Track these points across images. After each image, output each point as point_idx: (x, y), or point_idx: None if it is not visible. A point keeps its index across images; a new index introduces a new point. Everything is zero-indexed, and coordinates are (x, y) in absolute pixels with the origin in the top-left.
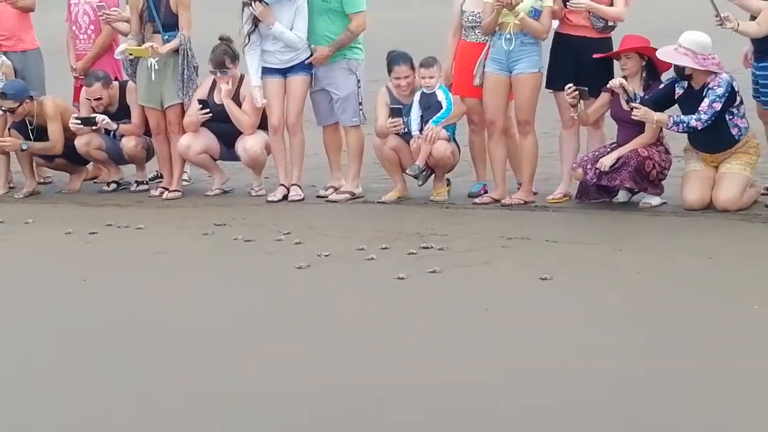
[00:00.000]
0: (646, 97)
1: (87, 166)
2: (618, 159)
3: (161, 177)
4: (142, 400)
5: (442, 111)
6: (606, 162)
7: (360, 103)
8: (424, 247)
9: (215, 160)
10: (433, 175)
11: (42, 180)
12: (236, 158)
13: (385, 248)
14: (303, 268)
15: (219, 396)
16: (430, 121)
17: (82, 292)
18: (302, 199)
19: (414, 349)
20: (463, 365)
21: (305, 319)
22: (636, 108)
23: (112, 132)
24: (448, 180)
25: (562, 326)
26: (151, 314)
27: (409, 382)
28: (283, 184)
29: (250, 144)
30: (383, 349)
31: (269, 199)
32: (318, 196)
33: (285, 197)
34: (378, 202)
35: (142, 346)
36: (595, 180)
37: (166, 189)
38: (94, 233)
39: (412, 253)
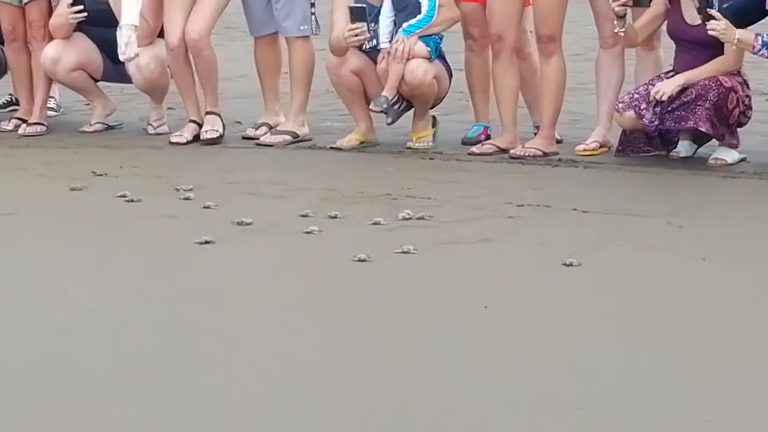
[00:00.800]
0: (725, 5)
1: None
2: (685, 89)
3: (17, 103)
4: None
5: (420, 16)
6: (665, 89)
7: (312, 4)
8: (397, 217)
9: (96, 81)
10: (409, 110)
11: None
12: (127, 79)
13: (337, 216)
14: (209, 244)
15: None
16: (400, 29)
17: None
18: (219, 138)
19: (369, 374)
20: (447, 391)
21: (201, 325)
22: (714, 20)
23: None
24: (433, 119)
25: (590, 337)
26: None
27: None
28: (194, 120)
29: (145, 59)
30: (318, 376)
31: (173, 140)
32: (245, 137)
33: (196, 138)
34: (331, 147)
35: None
36: (656, 123)
37: (24, 121)
38: None
39: (378, 224)
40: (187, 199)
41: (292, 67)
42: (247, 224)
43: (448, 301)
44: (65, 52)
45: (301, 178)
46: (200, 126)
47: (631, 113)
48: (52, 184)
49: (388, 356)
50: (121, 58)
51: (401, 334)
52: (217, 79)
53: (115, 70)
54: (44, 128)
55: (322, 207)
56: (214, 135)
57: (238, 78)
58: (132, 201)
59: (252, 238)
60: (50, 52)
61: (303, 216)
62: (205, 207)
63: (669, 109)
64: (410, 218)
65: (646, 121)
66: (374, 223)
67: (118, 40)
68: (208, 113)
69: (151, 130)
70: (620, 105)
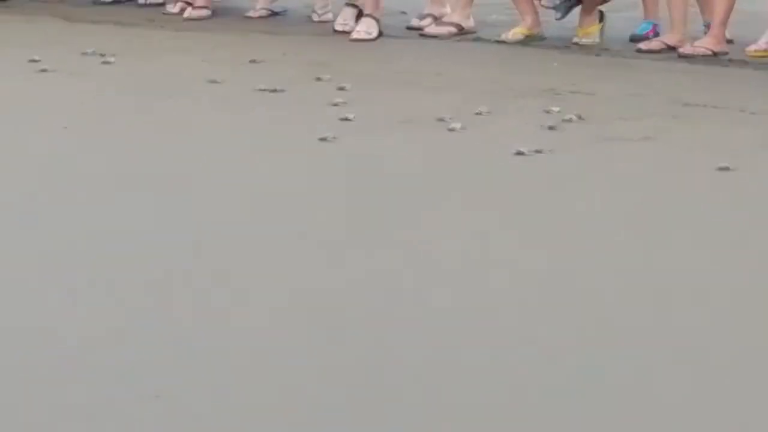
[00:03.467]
0: None
1: None
2: None
3: None
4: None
5: None
6: None
7: None
8: (559, 112)
9: None
10: (579, 5)
11: None
12: None
13: (500, 109)
14: (329, 141)
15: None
16: None
17: (61, 142)
18: (374, 39)
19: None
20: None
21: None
22: None
23: None
24: (601, 14)
25: (742, 255)
26: (143, 178)
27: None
28: (350, 4)
29: None
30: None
31: (337, 27)
32: (409, 28)
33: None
34: (496, 41)
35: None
36: None
37: (189, 4)
38: (87, 65)
39: (544, 112)
40: (341, 89)
41: None
42: (403, 122)
43: (604, 199)
44: None
45: (464, 71)
46: (360, 12)
47: None
48: (212, 68)
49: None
50: None
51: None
52: None
53: None
54: (209, 12)
55: (486, 100)
56: (366, 37)
57: None
58: (273, 91)
59: (406, 133)
60: None
61: (459, 109)
62: (343, 100)
63: None
64: (573, 114)
65: None
66: (544, 112)
67: None
68: (365, 15)
69: (315, 18)
70: None
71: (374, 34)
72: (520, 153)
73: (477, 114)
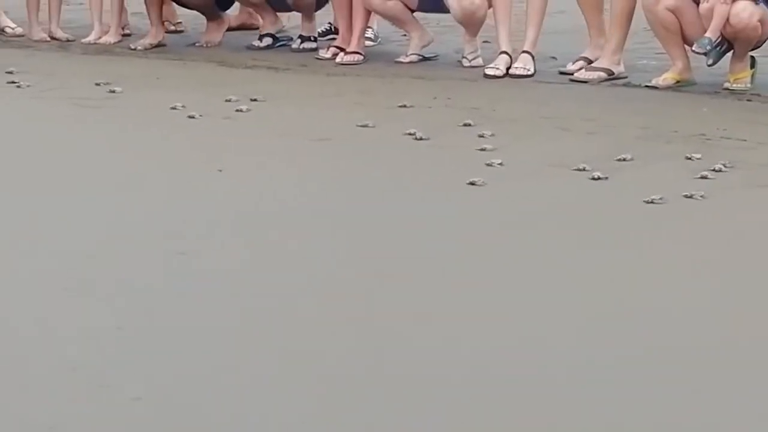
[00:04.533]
0: None
1: (227, 12)
2: None
3: (336, 32)
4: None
5: None
6: None
7: None
8: (708, 158)
9: (412, 11)
10: (730, 51)
11: (173, 27)
12: (444, 10)
13: (648, 155)
14: (479, 185)
15: None
16: None
17: (217, 185)
18: (531, 75)
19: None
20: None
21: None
22: None
23: None
24: (752, 59)
25: None
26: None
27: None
28: (505, 52)
29: None
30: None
31: (488, 72)
32: (561, 73)
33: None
34: (646, 86)
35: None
36: None
37: (342, 49)
38: (240, 108)
39: (690, 159)
40: (491, 134)
41: (612, 5)
42: (554, 166)
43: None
44: None
45: (614, 116)
46: (509, 57)
47: None
48: (366, 111)
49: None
50: None
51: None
52: (543, 12)
53: (432, 0)
54: (361, 57)
55: (635, 145)
56: (524, 73)
57: (556, 14)
58: (418, 139)
59: (531, 179)
60: None
61: (606, 155)
62: (487, 144)
63: None
64: (723, 161)
65: None
66: (687, 158)
67: None
68: (523, 52)
69: (465, 63)
70: None
71: (531, 70)
72: (660, 200)
73: (621, 160)
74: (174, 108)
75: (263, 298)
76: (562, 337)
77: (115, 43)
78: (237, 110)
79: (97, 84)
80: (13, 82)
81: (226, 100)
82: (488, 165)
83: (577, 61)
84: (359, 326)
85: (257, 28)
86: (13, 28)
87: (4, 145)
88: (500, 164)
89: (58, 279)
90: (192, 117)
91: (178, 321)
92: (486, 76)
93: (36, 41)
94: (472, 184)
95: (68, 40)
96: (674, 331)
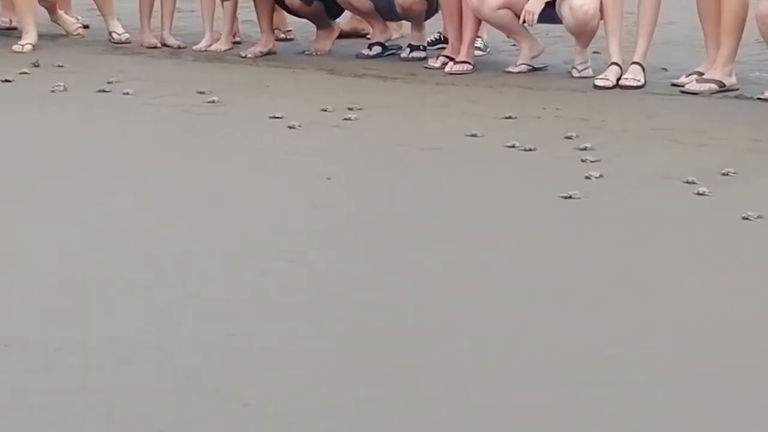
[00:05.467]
0: None
1: (336, 20)
2: None
3: (445, 41)
4: None
5: None
6: None
7: None
8: None
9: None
10: None
11: (283, 35)
12: (556, 21)
13: (759, 165)
14: (573, 198)
15: None
16: None
17: (326, 193)
18: (642, 86)
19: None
20: None
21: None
22: None
23: None
24: None
25: None
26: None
27: None
28: (615, 63)
29: (579, 1)
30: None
31: (598, 83)
32: (673, 85)
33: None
34: (759, 98)
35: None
36: None
37: (451, 59)
38: (348, 117)
39: None
40: (598, 145)
41: (723, 15)
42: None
43: None
44: None
45: (725, 128)
46: (619, 67)
47: None
48: (477, 121)
49: None
50: None
51: None
52: (653, 28)
53: (544, 11)
54: (470, 67)
55: (743, 159)
56: (634, 84)
57: (666, 24)
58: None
59: (661, 189)
60: None
61: (716, 172)
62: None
63: None
64: None
65: None
66: None
67: None
68: (633, 63)
69: (575, 74)
70: None
71: (642, 81)
72: (758, 217)
73: (725, 174)
74: (278, 117)
75: (374, 306)
76: (670, 350)
77: (225, 50)
78: (345, 119)
79: (203, 92)
80: (125, 92)
81: (335, 109)
82: (589, 177)
83: (690, 74)
84: (469, 334)
85: (367, 35)
86: (119, 34)
87: (110, 153)
88: (600, 177)
89: (172, 287)
90: (299, 126)
91: (287, 328)
92: (596, 87)
93: (147, 47)
94: (568, 197)
95: (179, 47)
96: None
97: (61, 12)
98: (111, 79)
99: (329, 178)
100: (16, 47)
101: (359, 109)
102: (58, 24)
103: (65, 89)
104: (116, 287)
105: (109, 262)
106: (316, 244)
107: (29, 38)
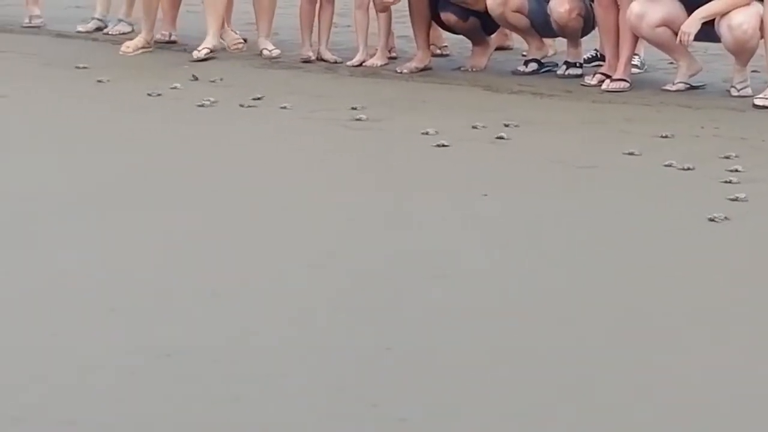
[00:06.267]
0: None
1: (492, 37)
2: None
3: (602, 58)
4: None
5: None
6: None
7: None
8: None
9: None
10: None
11: (439, 51)
12: (713, 39)
13: None
14: (717, 222)
15: None
16: None
17: (482, 210)
18: None
19: None
20: None
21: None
22: None
23: None
24: None
25: None
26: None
27: None
28: None
29: (738, 19)
30: None
31: (757, 102)
32: None
33: None
34: None
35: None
36: None
37: (608, 76)
38: (502, 134)
39: None
40: (688, 169)
41: None
42: None
43: None
44: (650, 8)
45: None
46: None
47: None
48: (629, 139)
49: None
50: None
51: None
52: None
53: (701, 29)
54: (627, 84)
55: None
56: None
57: None
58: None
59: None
60: (636, 7)
61: None
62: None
63: None
64: None
65: None
66: None
67: None
68: None
69: (734, 92)
70: None
71: None
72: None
73: None
74: (430, 133)
75: (528, 327)
76: None
77: (381, 65)
78: (498, 137)
79: (355, 108)
80: (282, 106)
81: (489, 125)
82: (738, 200)
83: None
84: (595, 357)
85: (509, 49)
86: (270, 50)
87: (257, 168)
88: (747, 198)
89: (346, 299)
90: (442, 145)
91: (445, 343)
92: (755, 106)
93: (302, 61)
94: (711, 220)
95: (336, 62)
96: None
97: (225, 27)
98: (260, 95)
99: (485, 195)
100: (195, 53)
101: (515, 126)
102: (221, 39)
103: (212, 104)
104: (272, 297)
105: (266, 271)
106: (470, 261)
107: (208, 42)
